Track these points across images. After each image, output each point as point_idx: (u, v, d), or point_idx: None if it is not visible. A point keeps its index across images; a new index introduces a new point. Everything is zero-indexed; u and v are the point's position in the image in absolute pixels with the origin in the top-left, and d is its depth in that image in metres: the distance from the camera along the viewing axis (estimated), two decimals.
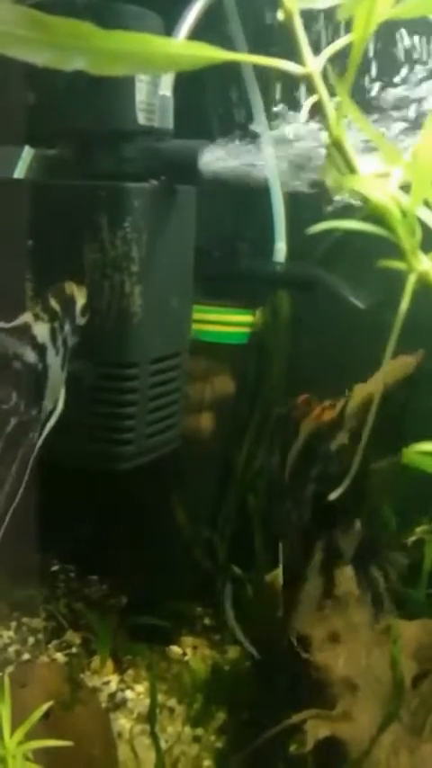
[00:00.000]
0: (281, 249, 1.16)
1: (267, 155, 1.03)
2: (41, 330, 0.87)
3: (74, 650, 1.25)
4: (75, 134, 1.04)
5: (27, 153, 1.21)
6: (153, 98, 1.02)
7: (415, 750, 0.86)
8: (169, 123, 1.05)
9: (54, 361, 0.89)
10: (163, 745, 1.00)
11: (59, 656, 1.23)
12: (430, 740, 0.87)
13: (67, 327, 0.91)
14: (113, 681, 1.22)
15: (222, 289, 1.23)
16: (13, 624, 1.29)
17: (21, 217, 1.07)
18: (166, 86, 1.02)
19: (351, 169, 0.56)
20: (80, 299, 0.95)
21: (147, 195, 1.03)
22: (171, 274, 1.10)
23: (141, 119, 1.01)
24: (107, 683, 1.21)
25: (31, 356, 0.85)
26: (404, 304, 0.52)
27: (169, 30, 1.01)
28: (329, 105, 0.56)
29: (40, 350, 0.87)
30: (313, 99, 0.58)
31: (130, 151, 1.03)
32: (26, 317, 0.86)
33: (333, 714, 0.91)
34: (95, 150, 1.04)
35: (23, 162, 1.21)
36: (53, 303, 0.91)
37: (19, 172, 1.21)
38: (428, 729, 0.88)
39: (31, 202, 1.06)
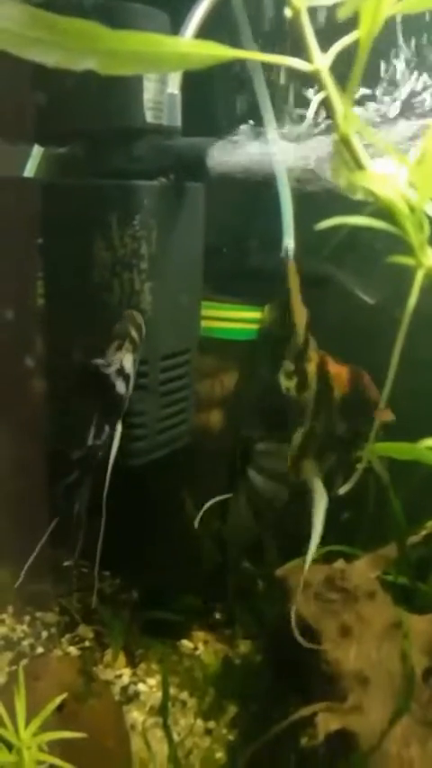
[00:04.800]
0: (289, 246, 1.16)
1: (275, 152, 1.03)
2: (128, 361, 0.92)
3: (86, 644, 1.26)
4: (84, 133, 1.05)
5: (37, 151, 1.22)
6: (161, 96, 1.02)
7: (426, 742, 0.86)
8: (177, 121, 1.05)
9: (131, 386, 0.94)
10: (175, 737, 1.02)
11: (72, 650, 1.25)
12: None
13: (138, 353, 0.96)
14: (126, 674, 1.23)
15: (231, 285, 1.23)
16: (27, 618, 1.31)
17: (30, 215, 1.08)
18: (173, 85, 1.02)
19: (360, 166, 0.56)
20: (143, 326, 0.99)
21: (156, 193, 1.03)
22: (180, 271, 1.10)
23: (150, 117, 1.02)
24: (119, 676, 1.22)
25: (121, 388, 0.91)
26: (412, 299, 0.53)
27: (176, 28, 1.01)
28: (337, 102, 0.57)
29: (126, 380, 0.92)
30: (321, 95, 0.58)
31: (138, 149, 1.04)
32: (121, 353, 0.91)
33: (344, 707, 0.91)
34: (105, 149, 1.05)
35: (33, 160, 1.22)
36: (134, 334, 0.95)
37: (29, 170, 1.23)
38: None
39: (41, 201, 1.07)
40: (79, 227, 1.03)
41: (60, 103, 1.01)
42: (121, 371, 0.91)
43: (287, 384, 0.89)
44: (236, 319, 1.23)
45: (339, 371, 0.89)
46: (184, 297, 1.13)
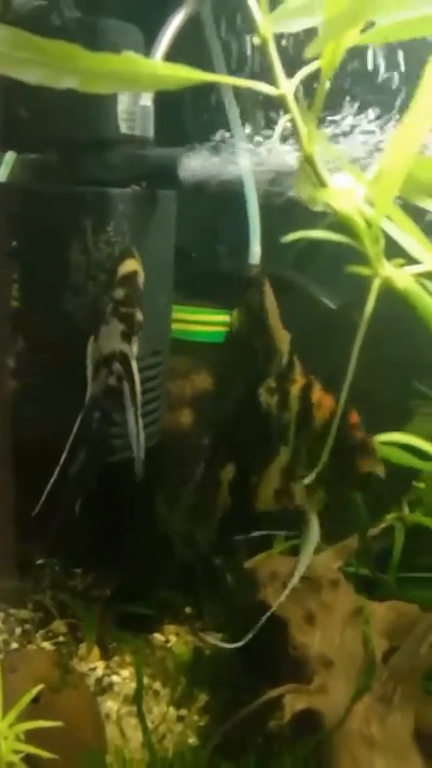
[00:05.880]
0: (256, 252, 1.22)
1: (243, 162, 1.08)
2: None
3: (61, 639, 1.29)
4: (59, 141, 1.08)
5: (10, 158, 1.24)
6: (134, 108, 1.06)
7: (385, 718, 0.92)
8: (150, 132, 1.10)
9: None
10: (149, 724, 1.05)
11: (47, 645, 1.27)
12: (399, 709, 0.93)
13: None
14: (100, 667, 1.27)
15: (200, 289, 1.28)
16: (1, 615, 1.33)
17: (5, 219, 1.11)
18: (146, 97, 1.07)
19: (322, 183, 0.62)
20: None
21: (129, 200, 1.08)
22: (152, 275, 1.15)
23: (123, 128, 1.06)
24: (94, 669, 1.26)
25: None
26: (369, 305, 0.58)
27: (150, 44, 1.05)
28: (301, 125, 0.62)
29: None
30: (286, 119, 0.63)
31: (112, 158, 1.08)
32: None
33: (309, 688, 0.97)
34: (79, 157, 1.08)
35: (6, 167, 1.25)
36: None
37: (1, 176, 1.25)
38: (397, 699, 0.95)
39: (16, 206, 1.09)
40: (54, 233, 1.07)
41: (36, 112, 1.04)
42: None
43: (268, 400, 0.92)
44: (205, 322, 1.28)
45: (322, 399, 0.91)
46: (156, 300, 1.17)
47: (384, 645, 1.05)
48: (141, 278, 1.03)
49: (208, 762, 0.94)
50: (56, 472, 1.01)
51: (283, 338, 0.93)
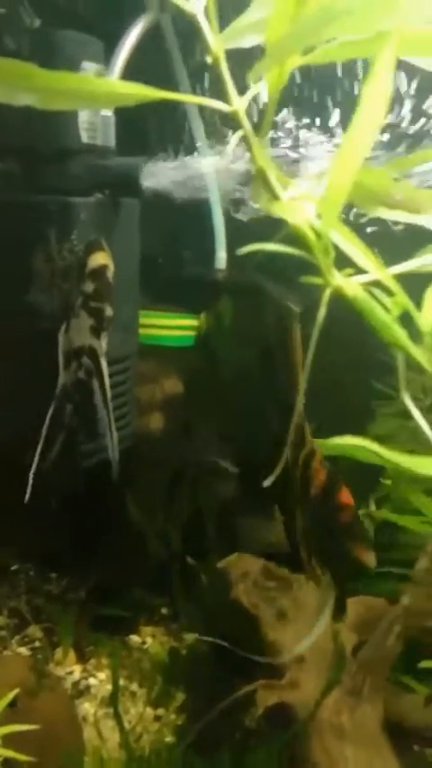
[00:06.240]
0: (222, 257, 1.24)
1: (207, 169, 1.10)
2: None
3: (37, 644, 1.29)
4: (21, 150, 1.09)
5: None
6: (95, 118, 1.07)
7: (355, 709, 0.95)
8: (111, 141, 1.11)
9: None
10: (126, 725, 1.07)
11: (23, 651, 1.28)
12: (368, 700, 0.96)
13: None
14: (77, 671, 1.28)
15: (168, 294, 1.30)
16: None
17: None
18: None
19: (274, 196, 0.64)
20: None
21: (92, 209, 1.09)
22: (118, 282, 1.16)
23: (85, 137, 1.07)
24: (70, 672, 1.27)
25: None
26: (321, 312, 0.61)
27: (110, 53, 1.07)
28: (254, 140, 0.64)
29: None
30: (239, 134, 0.66)
31: (75, 167, 1.09)
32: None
33: (281, 683, 0.99)
34: (41, 166, 1.09)
35: None
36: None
37: None
38: (366, 691, 0.98)
39: None
40: (17, 242, 1.07)
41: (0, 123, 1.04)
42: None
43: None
44: (173, 327, 1.30)
45: (320, 471, 0.94)
46: (123, 306, 1.18)
47: (354, 639, 1.08)
48: (111, 271, 1.02)
49: (182, 758, 0.96)
50: (33, 467, 1.00)
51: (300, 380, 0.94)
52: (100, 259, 1.00)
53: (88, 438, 1.07)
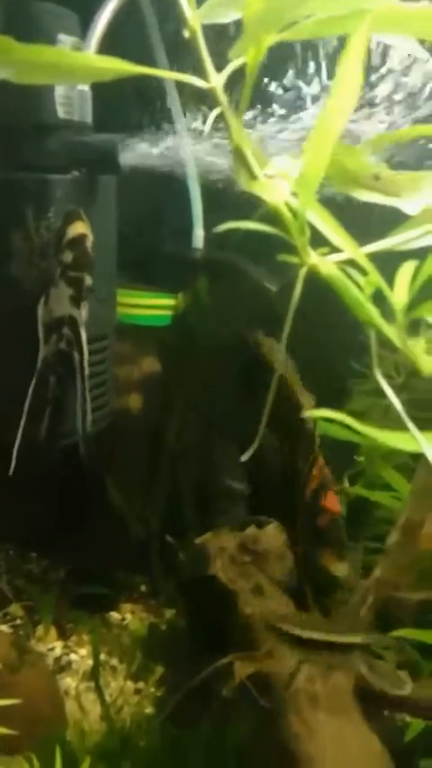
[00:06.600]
0: (199, 235, 1.24)
1: (184, 146, 1.10)
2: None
3: (18, 622, 1.31)
4: None
5: None
6: (72, 92, 1.06)
7: (328, 677, 0.98)
8: (88, 117, 1.10)
9: None
10: (107, 698, 1.09)
11: (4, 628, 1.29)
12: (339, 668, 0.99)
13: None
14: (58, 647, 1.29)
15: (146, 274, 1.30)
16: None
17: None
18: None
19: (251, 174, 0.64)
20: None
21: (69, 186, 1.08)
22: (95, 260, 1.15)
23: (61, 112, 1.05)
24: (52, 649, 1.28)
25: None
26: (297, 291, 0.61)
27: (86, 26, 1.05)
28: (231, 117, 0.64)
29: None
30: (217, 111, 0.66)
31: (51, 144, 1.08)
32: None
33: (257, 654, 1.02)
34: (17, 143, 1.07)
35: None
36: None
37: None
38: (338, 660, 1.01)
39: None
40: None
41: None
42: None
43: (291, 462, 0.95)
44: (150, 306, 1.30)
45: (316, 477, 0.97)
46: (100, 284, 1.18)
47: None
48: (90, 241, 1.01)
49: (161, 729, 0.98)
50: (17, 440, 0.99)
51: (306, 399, 0.96)
52: (79, 228, 0.99)
53: (69, 413, 1.07)
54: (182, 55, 1.20)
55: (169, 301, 1.29)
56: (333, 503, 0.96)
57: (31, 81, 0.66)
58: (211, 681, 1.07)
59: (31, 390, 1.00)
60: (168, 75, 0.65)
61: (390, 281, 0.65)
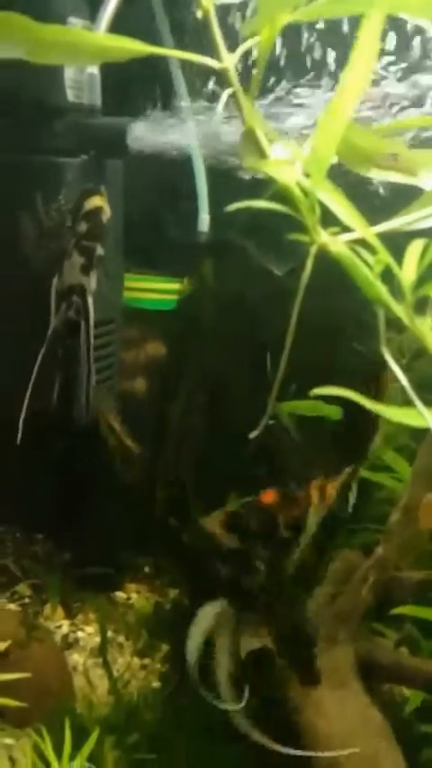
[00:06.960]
0: (205, 219, 1.25)
1: (190, 130, 1.10)
2: None
3: (26, 600, 1.33)
4: (6, 110, 1.08)
5: None
6: (81, 76, 1.07)
7: (330, 652, 1.01)
8: (97, 100, 1.11)
9: None
10: (115, 673, 1.11)
11: (13, 606, 1.31)
12: (341, 644, 1.02)
13: None
14: (65, 625, 1.32)
15: (151, 258, 1.30)
16: None
17: None
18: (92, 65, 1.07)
19: (262, 154, 0.65)
20: None
21: (78, 169, 1.09)
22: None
23: (71, 96, 1.06)
24: (59, 626, 1.31)
25: None
26: (307, 271, 0.63)
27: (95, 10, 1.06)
28: (243, 97, 0.65)
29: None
30: (229, 91, 0.67)
31: (60, 127, 1.08)
32: None
33: (261, 630, 1.04)
34: (28, 125, 1.08)
35: None
36: None
37: None
38: (340, 638, 1.03)
39: None
40: (4, 202, 1.07)
41: None
42: None
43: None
44: (156, 290, 1.31)
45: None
46: (107, 268, 1.19)
47: (331, 590, 1.13)
48: (107, 215, 1.03)
49: (167, 702, 1.00)
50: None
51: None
52: (96, 201, 1.01)
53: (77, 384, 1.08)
54: (188, 43, 1.20)
55: (174, 285, 1.30)
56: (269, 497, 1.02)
57: (45, 60, 0.67)
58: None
59: (38, 361, 1.02)
60: (180, 54, 0.66)
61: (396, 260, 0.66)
